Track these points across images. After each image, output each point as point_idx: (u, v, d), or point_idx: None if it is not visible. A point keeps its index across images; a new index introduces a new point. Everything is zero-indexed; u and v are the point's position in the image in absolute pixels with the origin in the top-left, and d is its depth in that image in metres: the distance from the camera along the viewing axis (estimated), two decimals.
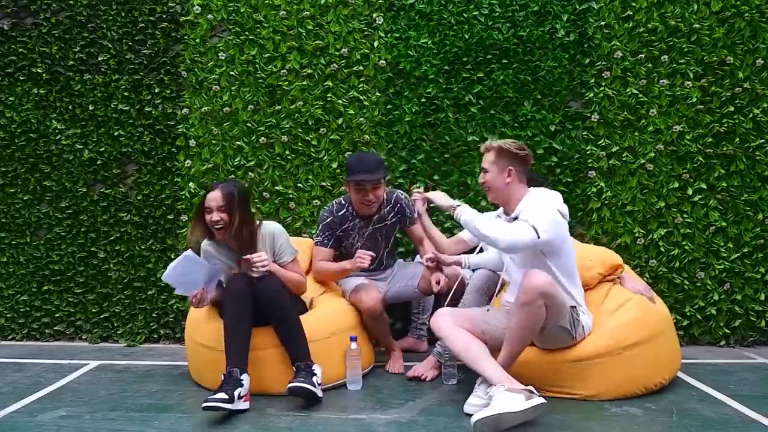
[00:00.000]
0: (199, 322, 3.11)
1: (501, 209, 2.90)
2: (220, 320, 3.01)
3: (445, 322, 2.74)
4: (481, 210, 3.77)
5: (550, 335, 2.67)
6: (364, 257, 3.10)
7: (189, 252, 2.81)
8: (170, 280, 2.79)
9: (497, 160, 2.78)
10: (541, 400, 2.38)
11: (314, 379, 2.69)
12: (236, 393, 2.57)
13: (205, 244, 3.04)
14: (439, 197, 2.92)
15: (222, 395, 2.53)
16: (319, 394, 2.69)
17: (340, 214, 3.29)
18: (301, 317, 2.90)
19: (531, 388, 2.44)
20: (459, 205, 2.77)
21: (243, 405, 2.63)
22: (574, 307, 2.69)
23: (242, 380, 2.64)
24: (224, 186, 2.90)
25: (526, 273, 2.56)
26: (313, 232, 3.80)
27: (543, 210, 2.64)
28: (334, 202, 3.36)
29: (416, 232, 3.41)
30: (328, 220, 3.28)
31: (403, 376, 3.13)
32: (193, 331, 3.10)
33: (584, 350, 2.72)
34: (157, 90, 3.98)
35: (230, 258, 3.00)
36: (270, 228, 3.02)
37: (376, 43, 3.86)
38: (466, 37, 3.81)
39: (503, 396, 2.36)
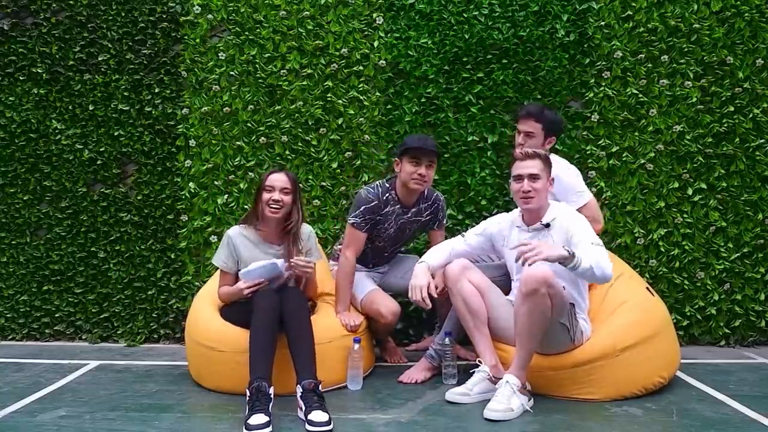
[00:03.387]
0: (199, 321, 3.11)
1: (518, 218, 2.88)
2: (222, 321, 3.02)
3: (461, 273, 2.82)
4: (480, 210, 3.79)
5: (549, 333, 2.67)
6: (350, 320, 3.06)
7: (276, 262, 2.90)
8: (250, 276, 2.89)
9: (545, 168, 2.79)
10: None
11: (270, 405, 2.53)
12: (270, 408, 2.49)
13: (234, 232, 3.03)
14: (547, 249, 2.55)
15: (263, 419, 2.40)
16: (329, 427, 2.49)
17: (384, 197, 3.19)
18: None
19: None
20: (574, 253, 2.53)
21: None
22: (573, 305, 2.70)
23: (270, 394, 2.54)
24: (288, 172, 3.02)
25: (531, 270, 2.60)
26: (323, 228, 3.79)
27: (588, 226, 2.74)
28: (377, 183, 3.26)
29: (438, 238, 3.36)
30: (373, 204, 3.16)
31: (395, 380, 3.08)
32: (194, 330, 3.10)
33: (583, 354, 2.72)
34: (157, 90, 3.98)
35: (257, 248, 3.00)
36: (307, 228, 3.11)
37: (376, 43, 3.86)
38: (466, 37, 3.81)
39: (484, 384, 2.73)
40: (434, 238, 3.39)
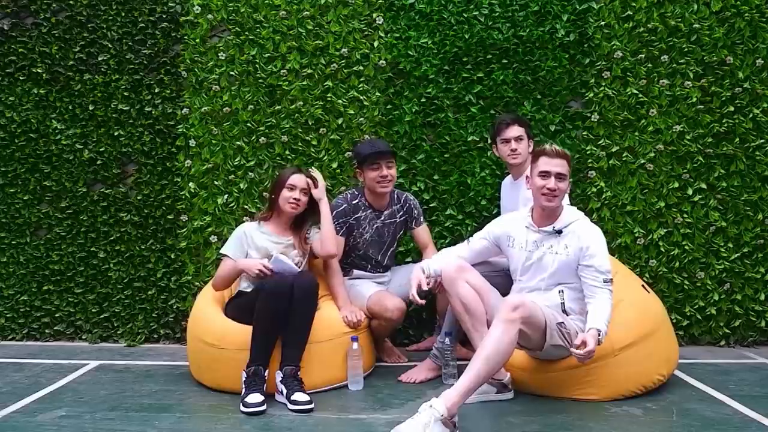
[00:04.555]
0: (201, 319, 3.11)
1: (527, 218, 2.85)
2: (224, 318, 3.04)
3: (457, 274, 2.80)
4: (480, 210, 3.79)
5: (547, 353, 2.68)
6: (353, 316, 3.08)
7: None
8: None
9: (569, 170, 2.77)
10: (509, 395, 2.75)
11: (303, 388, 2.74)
12: (264, 388, 2.72)
13: (249, 226, 3.21)
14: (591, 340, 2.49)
15: (259, 398, 2.66)
16: (311, 405, 2.67)
17: (354, 202, 3.35)
18: None
19: (507, 381, 2.76)
20: (598, 329, 2.52)
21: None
22: (561, 323, 2.66)
23: (265, 376, 2.76)
24: (305, 174, 3.24)
25: (509, 298, 2.57)
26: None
27: (606, 251, 2.72)
28: (347, 192, 3.45)
29: (421, 235, 3.47)
30: (343, 207, 3.33)
31: (396, 379, 3.10)
32: (196, 328, 3.10)
33: None
34: (157, 90, 3.98)
35: (270, 239, 3.16)
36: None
37: (376, 43, 3.86)
38: (466, 37, 3.81)
39: (484, 385, 2.54)
40: (419, 236, 3.48)
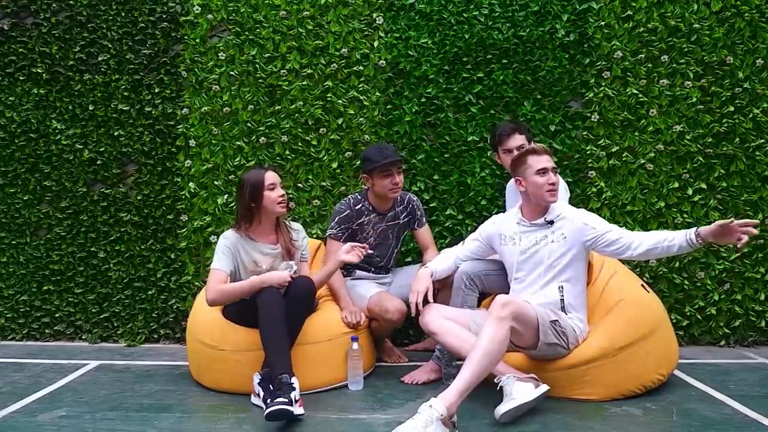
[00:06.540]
0: (201, 320, 3.11)
1: (517, 214, 2.89)
2: (223, 319, 3.03)
3: (434, 317, 2.79)
4: (480, 210, 3.79)
5: (542, 352, 2.68)
6: (352, 318, 3.04)
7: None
8: None
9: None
10: (546, 386, 2.56)
11: (293, 394, 2.50)
12: (292, 396, 2.47)
13: (234, 239, 2.95)
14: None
15: (283, 399, 2.42)
16: (298, 411, 2.49)
17: (357, 207, 3.34)
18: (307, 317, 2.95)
19: (533, 375, 2.60)
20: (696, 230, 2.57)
21: (299, 410, 2.50)
22: (555, 321, 2.65)
23: (293, 384, 2.54)
24: (268, 169, 3.04)
25: (498, 297, 2.54)
26: (323, 228, 3.81)
27: (597, 216, 2.83)
28: (349, 196, 3.42)
29: (423, 236, 3.47)
30: (346, 213, 3.32)
31: (397, 380, 3.09)
32: (195, 329, 3.10)
33: (580, 355, 2.72)
34: (157, 90, 3.98)
35: (256, 250, 2.98)
36: (297, 224, 3.21)
37: (376, 43, 3.86)
38: (466, 37, 3.81)
39: (516, 386, 2.50)
40: (421, 236, 3.48)
